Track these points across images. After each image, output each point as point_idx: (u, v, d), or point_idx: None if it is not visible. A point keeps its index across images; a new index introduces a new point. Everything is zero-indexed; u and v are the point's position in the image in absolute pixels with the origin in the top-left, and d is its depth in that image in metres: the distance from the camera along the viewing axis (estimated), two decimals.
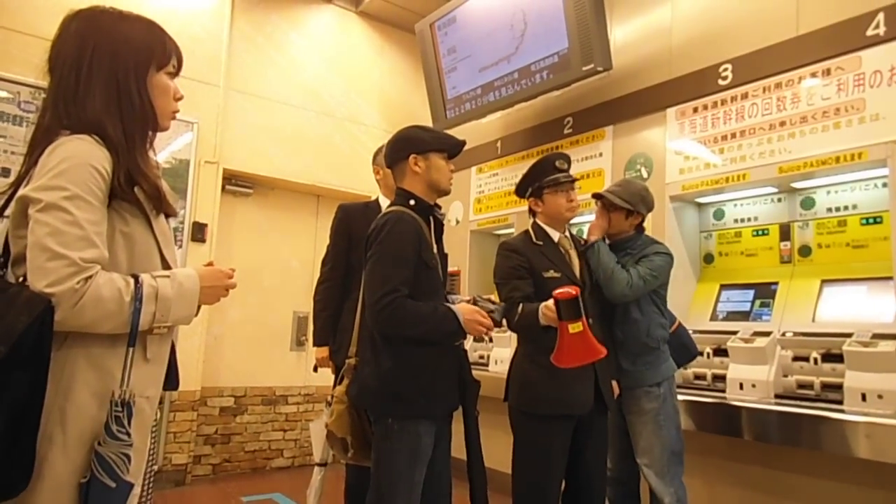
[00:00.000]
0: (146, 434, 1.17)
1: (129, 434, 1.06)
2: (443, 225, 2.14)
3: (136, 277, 1.09)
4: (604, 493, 2.42)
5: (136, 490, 1.10)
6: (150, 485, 1.25)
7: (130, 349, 1.09)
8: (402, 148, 2.09)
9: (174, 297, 1.13)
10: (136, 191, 1.15)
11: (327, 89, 5.03)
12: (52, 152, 1.08)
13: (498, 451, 2.64)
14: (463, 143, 2.16)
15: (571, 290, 1.97)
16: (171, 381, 1.26)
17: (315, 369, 2.98)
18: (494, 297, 2.33)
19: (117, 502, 1.05)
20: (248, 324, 4.69)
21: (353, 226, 2.88)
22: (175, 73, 1.29)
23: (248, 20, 4.67)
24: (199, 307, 1.21)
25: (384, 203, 2.91)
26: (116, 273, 1.09)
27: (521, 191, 2.53)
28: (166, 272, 1.15)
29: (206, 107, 4.31)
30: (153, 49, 1.23)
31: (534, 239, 2.42)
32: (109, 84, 1.17)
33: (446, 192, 2.12)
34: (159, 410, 1.27)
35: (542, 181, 2.41)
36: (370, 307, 1.91)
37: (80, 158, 1.07)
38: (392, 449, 1.90)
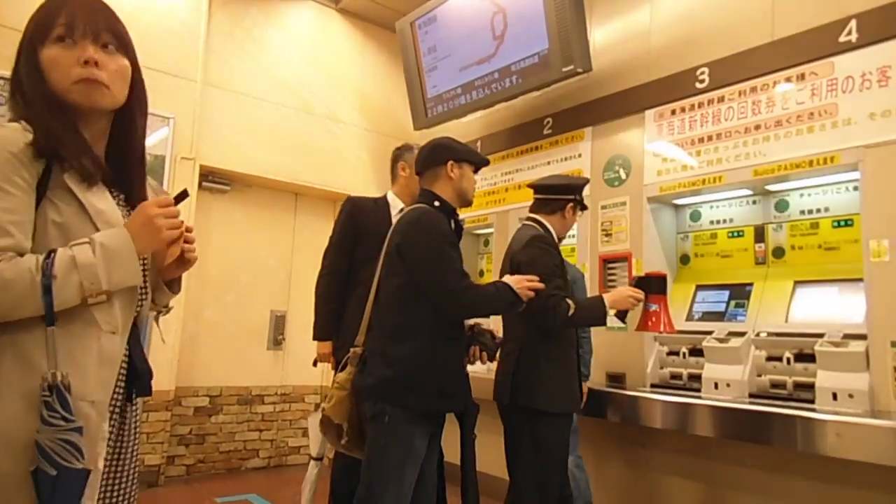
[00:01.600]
0: (93, 446, 1.05)
1: (64, 418, 0.99)
2: (462, 230, 2.21)
3: (48, 253, 1.04)
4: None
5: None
6: (135, 486, 1.21)
7: (51, 329, 1.03)
8: (442, 153, 2.19)
9: (99, 260, 1.05)
10: (65, 177, 1.09)
11: (306, 86, 4.97)
12: None
13: (481, 453, 2.62)
14: (488, 160, 2.34)
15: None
16: (144, 387, 1.20)
17: (315, 364, 2.87)
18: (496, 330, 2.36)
19: (65, 490, 0.99)
20: (224, 322, 4.62)
21: (360, 220, 2.80)
22: (68, 36, 1.13)
23: (227, 14, 4.60)
24: (145, 259, 1.17)
25: (393, 201, 2.85)
26: (30, 254, 1.03)
27: (559, 191, 2.56)
28: (85, 239, 1.08)
29: (183, 102, 4.24)
30: (38, 25, 1.14)
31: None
32: (17, 72, 1.15)
33: (469, 203, 2.25)
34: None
35: (581, 199, 2.60)
36: (450, 294, 1.99)
37: None
38: (386, 447, 1.92)
